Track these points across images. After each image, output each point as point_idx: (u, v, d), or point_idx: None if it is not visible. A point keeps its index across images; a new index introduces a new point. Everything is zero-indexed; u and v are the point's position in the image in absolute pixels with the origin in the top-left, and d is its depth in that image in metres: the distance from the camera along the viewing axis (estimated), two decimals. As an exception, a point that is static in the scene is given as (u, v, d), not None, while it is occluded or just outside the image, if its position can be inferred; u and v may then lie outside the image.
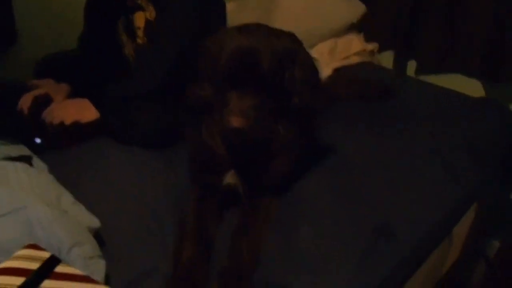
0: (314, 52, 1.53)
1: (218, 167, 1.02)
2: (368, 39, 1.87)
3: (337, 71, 1.70)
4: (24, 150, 1.08)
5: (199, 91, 0.99)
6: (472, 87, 1.64)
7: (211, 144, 1.00)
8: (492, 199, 1.52)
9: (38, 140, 1.20)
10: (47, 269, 0.68)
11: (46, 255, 0.70)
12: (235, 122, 0.87)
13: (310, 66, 1.00)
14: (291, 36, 0.99)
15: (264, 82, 0.90)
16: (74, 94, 1.33)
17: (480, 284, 1.58)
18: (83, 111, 1.23)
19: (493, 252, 1.65)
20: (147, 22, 1.33)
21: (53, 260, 0.69)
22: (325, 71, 1.63)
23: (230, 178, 1.02)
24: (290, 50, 0.95)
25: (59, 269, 0.69)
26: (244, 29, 0.96)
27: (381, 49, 1.88)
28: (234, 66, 0.91)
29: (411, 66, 1.86)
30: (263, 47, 0.91)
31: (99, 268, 0.81)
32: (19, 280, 0.63)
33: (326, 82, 1.59)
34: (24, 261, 0.68)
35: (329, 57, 1.72)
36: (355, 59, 1.77)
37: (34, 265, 0.67)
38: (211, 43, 0.98)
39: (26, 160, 1.02)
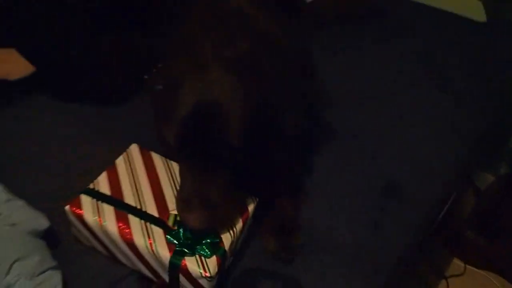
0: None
1: None
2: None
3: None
4: None
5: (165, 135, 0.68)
6: (473, 11, 1.43)
7: None
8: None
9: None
10: None
11: None
12: (193, 222, 0.61)
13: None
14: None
15: (235, 154, 0.63)
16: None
17: (471, 218, 1.53)
18: (12, 65, 0.95)
19: (484, 185, 1.59)
20: None
21: None
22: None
23: None
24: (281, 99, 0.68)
25: None
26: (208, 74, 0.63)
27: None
28: (190, 139, 0.62)
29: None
30: (233, 106, 0.61)
31: (53, 284, 0.63)
32: None
33: (312, 3, 1.35)
34: None
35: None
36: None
37: None
38: (164, 80, 0.68)
39: None
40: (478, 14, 1.41)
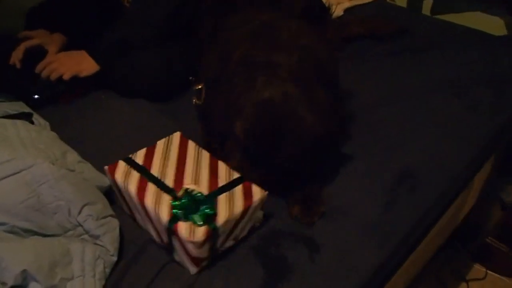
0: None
1: None
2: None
3: (348, 11, 1.59)
4: (23, 107, 1.02)
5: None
6: (494, 27, 1.52)
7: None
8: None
9: (36, 96, 1.12)
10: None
11: None
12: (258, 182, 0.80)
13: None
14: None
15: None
16: (68, 45, 1.24)
17: (496, 228, 1.56)
18: (82, 64, 1.14)
19: (509, 197, 1.62)
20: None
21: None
22: (337, 12, 1.52)
23: None
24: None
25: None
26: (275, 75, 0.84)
27: (394, -13, 1.75)
28: (258, 148, 0.81)
29: (427, 5, 1.74)
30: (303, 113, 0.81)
31: (112, 227, 0.77)
32: None
33: (337, 23, 1.49)
34: None
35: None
36: (367, -2, 1.65)
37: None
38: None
39: (27, 117, 0.96)
40: (499, 31, 1.50)
